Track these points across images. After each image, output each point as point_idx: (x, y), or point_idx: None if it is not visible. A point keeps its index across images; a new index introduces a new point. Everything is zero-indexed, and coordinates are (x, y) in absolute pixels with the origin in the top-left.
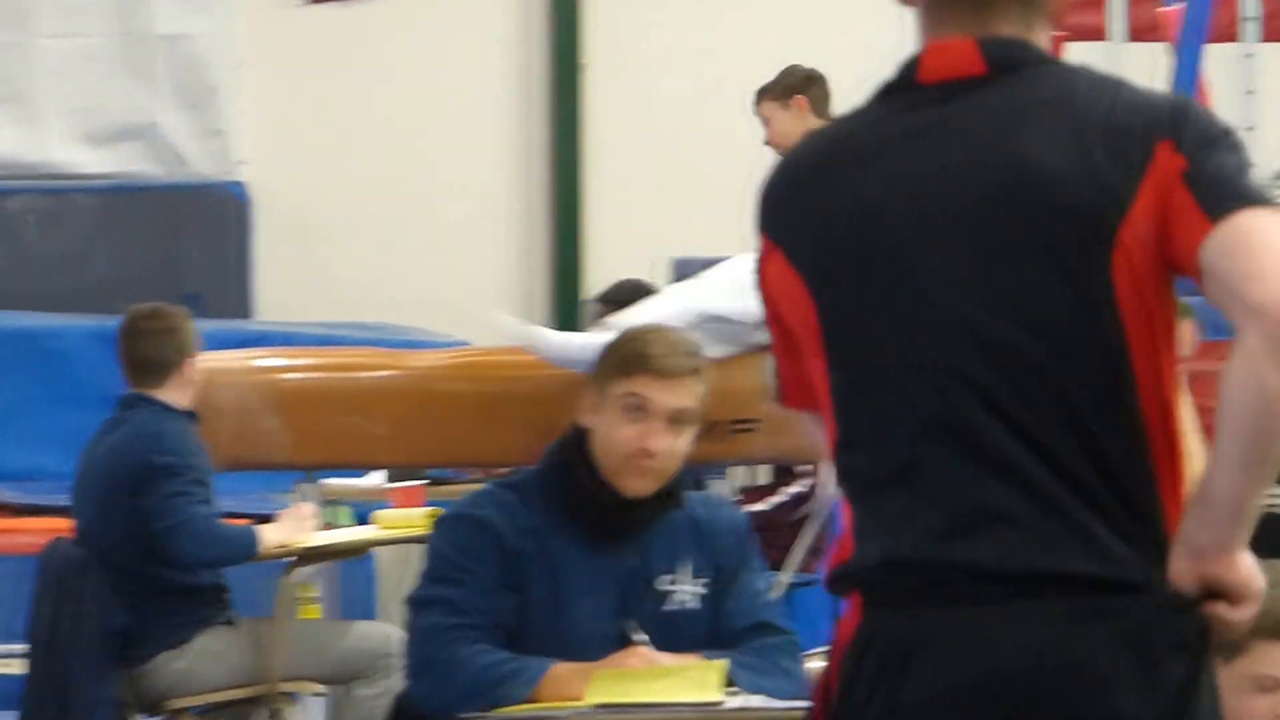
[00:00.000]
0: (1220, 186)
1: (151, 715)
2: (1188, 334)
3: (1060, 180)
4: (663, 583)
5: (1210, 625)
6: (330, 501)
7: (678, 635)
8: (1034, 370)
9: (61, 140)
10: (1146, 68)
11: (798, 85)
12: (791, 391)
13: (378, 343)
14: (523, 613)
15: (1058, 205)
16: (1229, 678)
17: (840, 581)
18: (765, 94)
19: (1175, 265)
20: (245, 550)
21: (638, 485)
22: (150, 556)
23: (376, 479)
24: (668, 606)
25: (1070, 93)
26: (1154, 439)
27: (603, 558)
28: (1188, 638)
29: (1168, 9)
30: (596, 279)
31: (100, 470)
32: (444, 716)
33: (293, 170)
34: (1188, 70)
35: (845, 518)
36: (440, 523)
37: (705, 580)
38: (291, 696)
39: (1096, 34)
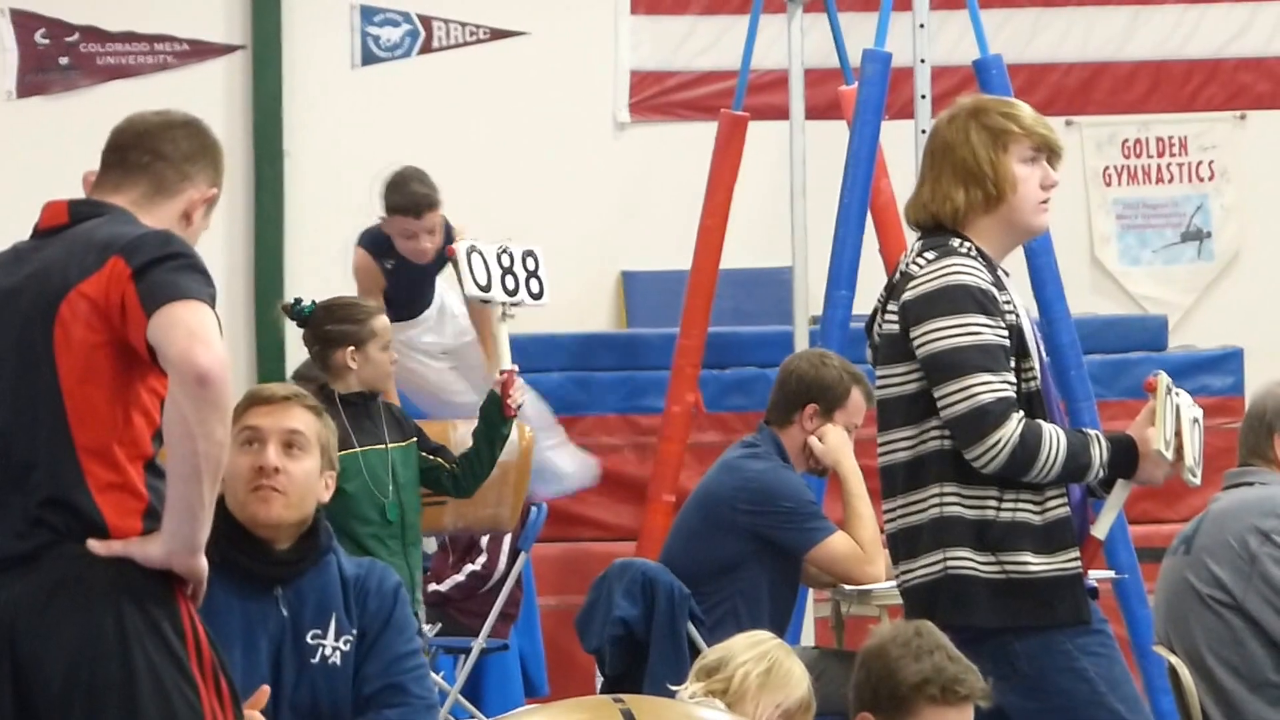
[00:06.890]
0: (155, 291)
1: None
2: (859, 401)
3: (54, 275)
4: (312, 637)
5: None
6: None
7: (322, 691)
8: (14, 410)
9: None
10: (827, 145)
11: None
12: None
13: None
14: None
15: (45, 294)
16: None
17: None
18: (437, 205)
19: (132, 343)
20: None
21: (265, 511)
22: None
23: None
24: (314, 660)
25: (96, 227)
26: (82, 450)
27: (254, 608)
28: (112, 586)
29: (846, 89)
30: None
31: None
32: None
33: None
34: (864, 145)
35: None
36: None
37: (348, 638)
38: None
39: (779, 113)
